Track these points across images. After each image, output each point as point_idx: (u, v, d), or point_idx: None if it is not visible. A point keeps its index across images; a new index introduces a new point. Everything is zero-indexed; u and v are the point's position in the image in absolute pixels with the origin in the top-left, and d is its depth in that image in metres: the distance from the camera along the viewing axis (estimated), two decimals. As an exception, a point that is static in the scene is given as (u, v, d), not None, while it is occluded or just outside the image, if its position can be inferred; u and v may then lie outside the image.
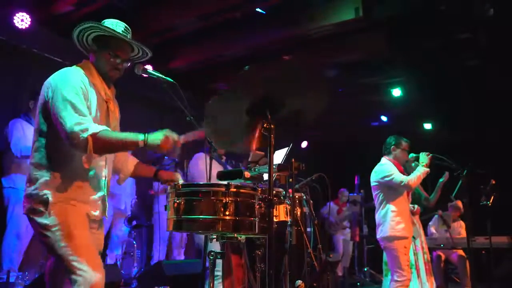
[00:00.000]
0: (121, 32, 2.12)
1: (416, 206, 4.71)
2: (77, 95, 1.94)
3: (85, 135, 1.86)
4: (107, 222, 4.91)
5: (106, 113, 2.10)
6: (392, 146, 4.16)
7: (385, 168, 4.04)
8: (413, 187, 4.02)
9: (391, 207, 3.97)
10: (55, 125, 1.94)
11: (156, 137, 1.90)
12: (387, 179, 3.97)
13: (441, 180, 5.01)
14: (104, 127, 1.93)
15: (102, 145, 1.90)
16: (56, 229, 1.90)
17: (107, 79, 2.17)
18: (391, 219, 3.92)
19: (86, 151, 1.87)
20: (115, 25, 2.14)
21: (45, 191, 1.93)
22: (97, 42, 2.13)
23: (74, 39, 2.14)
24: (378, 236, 4.02)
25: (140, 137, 1.90)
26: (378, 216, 4.06)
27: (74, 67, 2.10)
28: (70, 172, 1.99)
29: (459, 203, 6.12)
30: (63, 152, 1.97)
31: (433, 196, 5.10)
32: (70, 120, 1.88)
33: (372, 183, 4.14)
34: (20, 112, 4.38)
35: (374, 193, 4.14)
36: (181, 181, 2.20)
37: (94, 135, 1.86)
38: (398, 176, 3.95)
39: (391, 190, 4.02)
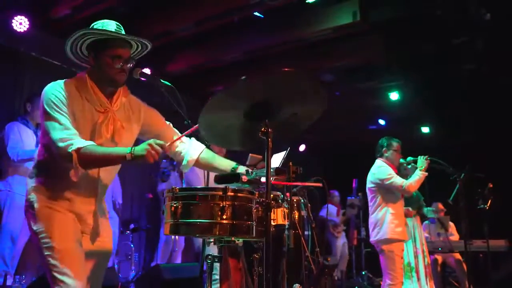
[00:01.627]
0: (114, 31, 2.03)
1: (410, 208, 4.73)
2: (58, 109, 1.93)
3: (69, 150, 1.85)
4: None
5: (98, 125, 2.03)
6: (384, 148, 4.17)
7: (384, 170, 4.03)
8: (412, 192, 4.02)
9: (389, 209, 3.98)
10: (45, 136, 1.98)
11: (141, 148, 1.88)
12: (387, 182, 3.96)
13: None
14: (89, 142, 1.90)
15: (88, 160, 1.88)
16: (42, 236, 1.93)
17: (111, 88, 2.09)
18: (390, 221, 3.92)
19: (73, 165, 1.87)
20: (106, 25, 2.05)
21: (31, 195, 1.98)
22: (93, 49, 2.04)
23: (68, 54, 2.09)
24: (374, 238, 4.00)
25: (127, 150, 1.88)
26: (374, 218, 4.04)
27: (64, 80, 2.04)
28: (61, 176, 1.99)
29: (439, 205, 6.20)
30: (54, 159, 1.96)
31: (426, 212, 5.29)
32: (56, 135, 1.88)
33: (369, 185, 4.13)
34: (18, 115, 4.37)
35: (370, 195, 4.13)
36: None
37: (78, 150, 1.85)
38: (398, 179, 3.95)
39: (389, 192, 4.02)
